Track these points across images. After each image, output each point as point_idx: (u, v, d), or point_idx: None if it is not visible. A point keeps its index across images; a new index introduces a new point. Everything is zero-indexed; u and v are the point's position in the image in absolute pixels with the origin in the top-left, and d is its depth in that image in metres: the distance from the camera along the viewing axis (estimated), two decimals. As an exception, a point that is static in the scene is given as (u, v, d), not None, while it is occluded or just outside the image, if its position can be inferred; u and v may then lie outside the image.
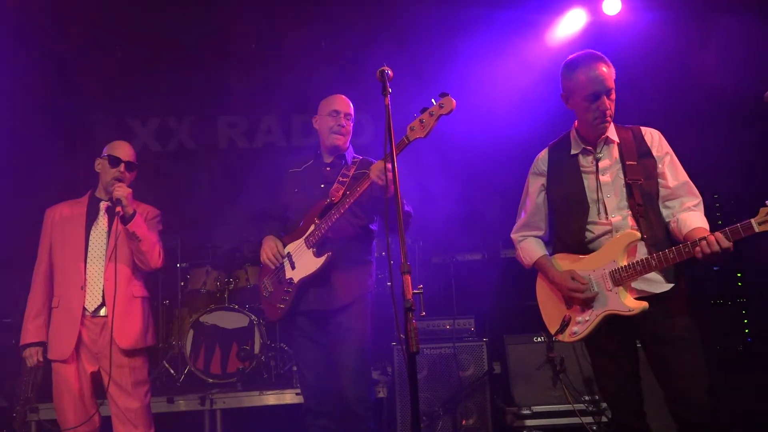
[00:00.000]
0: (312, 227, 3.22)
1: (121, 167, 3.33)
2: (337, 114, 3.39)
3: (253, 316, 5.32)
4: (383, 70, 2.50)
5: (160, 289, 5.79)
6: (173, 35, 6.03)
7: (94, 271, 3.28)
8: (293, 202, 3.41)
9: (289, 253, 3.31)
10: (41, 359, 3.25)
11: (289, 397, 4.64)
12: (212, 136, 7.17)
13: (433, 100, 2.78)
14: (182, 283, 5.72)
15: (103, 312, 3.25)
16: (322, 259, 3.17)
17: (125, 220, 3.23)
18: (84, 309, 3.24)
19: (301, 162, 3.52)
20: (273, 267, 3.35)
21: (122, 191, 3.23)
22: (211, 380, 5.08)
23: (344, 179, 3.26)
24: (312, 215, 3.26)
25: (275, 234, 3.42)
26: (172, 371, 5.34)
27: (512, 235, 3.07)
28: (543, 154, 2.97)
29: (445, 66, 5.72)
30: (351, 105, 3.46)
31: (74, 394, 3.21)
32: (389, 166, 2.42)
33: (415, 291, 2.15)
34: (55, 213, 3.39)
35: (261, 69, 6.57)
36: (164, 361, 5.40)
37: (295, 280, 3.25)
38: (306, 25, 5.79)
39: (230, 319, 5.31)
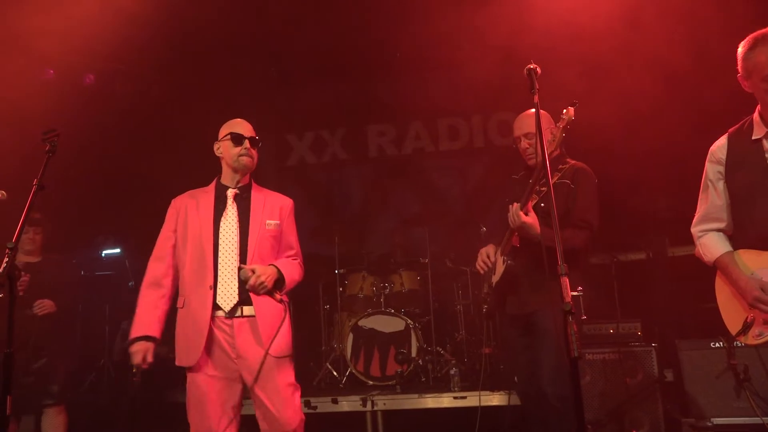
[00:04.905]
0: (506, 234, 3.35)
1: (246, 144, 3.06)
2: (519, 140, 3.45)
3: (409, 320, 5.48)
4: (530, 68, 2.48)
5: (321, 294, 6.16)
6: (323, 52, 6.39)
7: (226, 266, 2.89)
8: (504, 212, 3.50)
9: (504, 258, 3.41)
10: (151, 359, 2.86)
11: (447, 401, 4.70)
12: (363, 145, 7.53)
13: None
14: (341, 289, 6.03)
15: (239, 312, 2.89)
16: (503, 267, 3.32)
17: (279, 287, 2.97)
18: (216, 308, 2.88)
19: (520, 169, 3.61)
20: (482, 271, 3.54)
21: (257, 285, 2.88)
22: (371, 382, 5.34)
23: (543, 188, 3.23)
24: (506, 224, 3.38)
25: (496, 242, 3.59)
26: (334, 373, 5.66)
27: (692, 230, 2.91)
28: (721, 141, 2.79)
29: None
30: (530, 121, 3.38)
31: (203, 405, 2.85)
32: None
33: (574, 293, 2.10)
34: (180, 203, 3.07)
35: (406, 76, 6.75)
36: (327, 363, 5.72)
37: (493, 283, 3.45)
38: (448, 30, 5.84)
39: (387, 323, 5.53)
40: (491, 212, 3.87)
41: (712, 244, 2.78)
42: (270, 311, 2.92)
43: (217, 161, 3.18)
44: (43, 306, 4.22)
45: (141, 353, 2.84)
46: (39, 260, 4.43)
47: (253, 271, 2.88)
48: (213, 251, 2.90)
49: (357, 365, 5.44)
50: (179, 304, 2.96)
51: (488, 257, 3.50)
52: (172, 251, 3.01)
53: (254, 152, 3.10)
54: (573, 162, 3.41)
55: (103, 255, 5.93)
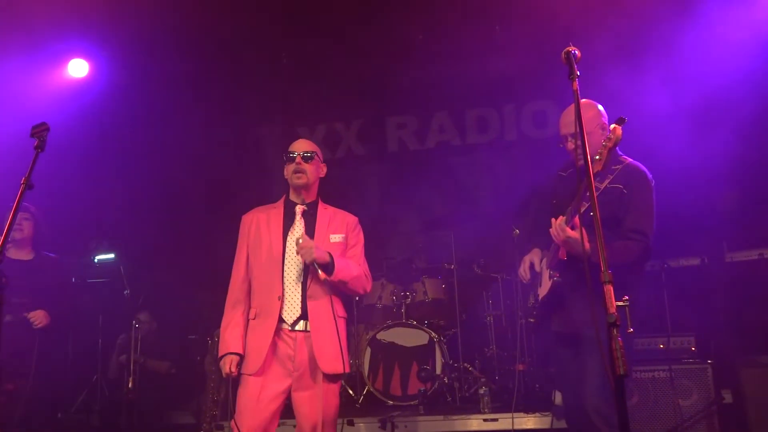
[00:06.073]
0: (552, 246, 3.30)
1: (297, 160, 3.36)
2: (565, 139, 3.42)
3: (433, 333, 5.40)
4: (569, 51, 2.43)
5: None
6: (336, 39, 6.36)
7: (292, 279, 3.27)
8: (550, 214, 3.41)
9: (550, 272, 3.42)
10: (235, 370, 3.21)
11: (476, 423, 4.63)
12: (381, 139, 7.46)
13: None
14: (357, 298, 5.97)
15: (300, 326, 3.24)
16: (549, 283, 3.32)
17: (328, 272, 3.21)
18: (281, 320, 3.23)
19: (568, 165, 3.57)
20: (525, 281, 3.57)
21: (306, 255, 3.18)
22: (391, 402, 5.24)
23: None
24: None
25: (541, 246, 3.53)
26: (350, 391, 5.59)
27: None
28: None
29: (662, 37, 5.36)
30: (570, 121, 3.34)
31: (254, 410, 3.17)
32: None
33: (619, 303, 2.05)
34: (251, 218, 3.44)
35: (429, 63, 6.69)
36: (342, 381, 5.68)
37: (539, 297, 3.47)
38: (476, 10, 5.80)
39: (409, 336, 5.45)
40: (526, 213, 3.82)
41: None
42: (325, 328, 3.25)
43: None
44: (37, 318, 4.12)
45: (228, 363, 3.22)
46: (31, 258, 4.36)
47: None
48: (281, 263, 3.28)
49: (375, 383, 5.36)
50: (251, 315, 3.31)
51: (531, 265, 3.47)
52: (247, 266, 3.38)
53: (307, 167, 3.39)
54: (627, 161, 3.32)
55: (95, 261, 5.96)
